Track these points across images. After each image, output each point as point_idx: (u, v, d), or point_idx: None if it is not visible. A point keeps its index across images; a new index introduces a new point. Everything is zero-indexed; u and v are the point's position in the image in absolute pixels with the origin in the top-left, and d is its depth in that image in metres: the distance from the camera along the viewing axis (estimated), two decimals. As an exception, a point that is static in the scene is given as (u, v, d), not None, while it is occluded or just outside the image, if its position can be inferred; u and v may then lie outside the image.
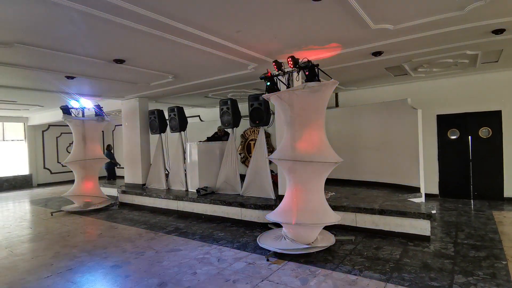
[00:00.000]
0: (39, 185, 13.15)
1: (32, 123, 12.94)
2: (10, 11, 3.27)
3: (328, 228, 4.91)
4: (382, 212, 4.93)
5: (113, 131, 15.19)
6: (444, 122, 7.74)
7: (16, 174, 12.74)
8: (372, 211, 5.02)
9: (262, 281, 3.52)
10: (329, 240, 4.56)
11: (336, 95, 9.08)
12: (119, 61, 5.08)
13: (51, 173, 13.75)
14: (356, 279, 3.48)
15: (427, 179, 7.47)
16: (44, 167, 13.62)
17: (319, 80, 4.42)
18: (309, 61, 4.38)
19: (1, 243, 5.28)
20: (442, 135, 7.80)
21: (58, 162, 13.69)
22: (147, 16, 3.46)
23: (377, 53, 5.14)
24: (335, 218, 4.47)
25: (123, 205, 8.28)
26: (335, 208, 5.18)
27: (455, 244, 4.52)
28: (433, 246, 4.43)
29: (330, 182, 7.89)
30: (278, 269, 3.83)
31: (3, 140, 12.61)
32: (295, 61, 4.50)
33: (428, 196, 7.55)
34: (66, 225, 6.40)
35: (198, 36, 4.11)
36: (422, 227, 4.66)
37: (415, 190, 6.46)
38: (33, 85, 6.85)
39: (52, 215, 7.37)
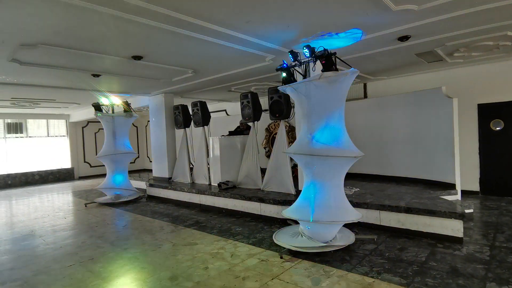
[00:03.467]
0: (80, 178, 14.10)
1: (73, 120, 13.85)
2: (34, 14, 3.43)
3: (349, 226, 4.68)
4: (408, 210, 4.58)
5: (146, 126, 15.80)
6: (486, 112, 7.00)
7: (59, 168, 13.76)
8: (397, 209, 4.68)
9: (272, 279, 3.41)
10: (348, 238, 4.33)
11: (365, 85, 8.60)
12: (137, 58, 5.18)
13: (91, 166, 14.67)
14: (373, 282, 3.24)
15: (467, 174, 6.86)
16: (85, 161, 14.56)
17: (336, 70, 4.16)
18: (325, 50, 4.12)
19: (37, 232, 5.69)
20: (484, 126, 7.06)
21: (96, 156, 14.55)
22: (160, 13, 3.46)
23: (403, 38, 4.72)
24: (356, 215, 4.23)
25: (150, 198, 8.58)
26: (357, 205, 4.92)
27: (491, 248, 4.07)
28: (466, 249, 4.02)
29: (357, 177, 7.57)
30: (290, 267, 3.70)
31: (48, 136, 13.64)
32: (311, 50, 4.28)
33: (467, 193, 6.93)
34: (97, 216, 6.76)
35: (210, 29, 4.04)
36: (454, 227, 4.25)
37: (450, 186, 5.94)
38: (66, 84, 7.25)
39: (86, 206, 7.83)
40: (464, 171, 6.24)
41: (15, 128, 12.79)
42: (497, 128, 6.93)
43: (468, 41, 5.18)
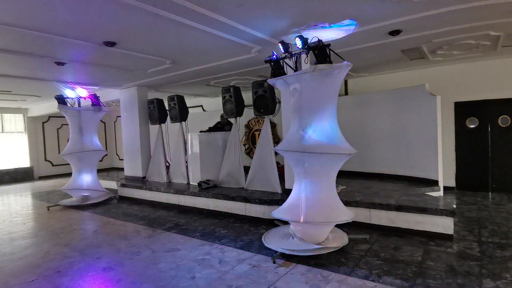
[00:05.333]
0: (41, 178, 12.93)
1: (32, 115, 12.64)
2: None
3: (340, 225, 4.50)
4: (399, 208, 4.50)
5: (114, 122, 14.85)
6: (462, 110, 7.21)
7: (17, 167, 12.51)
8: (388, 207, 4.59)
9: (269, 287, 3.13)
10: (342, 239, 4.15)
11: (346, 82, 8.55)
12: (110, 44, 4.64)
13: (53, 165, 13.51)
14: (375, 286, 3.07)
15: (443, 170, 7.00)
16: (46, 160, 13.37)
17: (330, 62, 3.95)
18: (319, 41, 3.89)
19: (-10, 240, 4.98)
20: (460, 124, 7.27)
21: (59, 154, 13.43)
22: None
23: (395, 32, 4.61)
24: (349, 215, 4.05)
25: (122, 199, 7.96)
26: (347, 203, 4.76)
27: (479, 243, 4.10)
28: (457, 246, 4.01)
29: (340, 175, 7.46)
30: (286, 273, 3.44)
31: (2, 132, 12.34)
32: (304, 40, 4.03)
33: (444, 189, 7.08)
34: (62, 220, 6.09)
35: (195, 12, 3.64)
36: (444, 224, 4.22)
37: (433, 183, 6.01)
38: (24, 73, 6.45)
39: (48, 209, 7.07)
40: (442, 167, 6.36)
41: (-37, 123, 11.41)
42: (472, 126, 7.16)
43: (452, 39, 5.22)
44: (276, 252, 3.90)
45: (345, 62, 3.86)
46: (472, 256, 3.70)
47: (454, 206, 5.64)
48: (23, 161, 12.71)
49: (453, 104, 7.26)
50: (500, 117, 6.80)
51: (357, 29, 4.45)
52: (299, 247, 3.88)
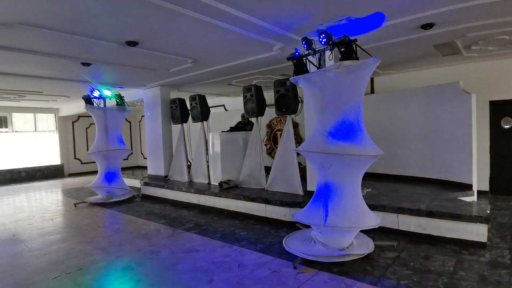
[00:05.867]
0: (70, 175, 13.47)
1: (63, 114, 13.19)
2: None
3: (365, 230, 4.27)
4: (430, 214, 4.20)
5: (140, 122, 15.21)
6: (498, 109, 6.69)
7: (48, 164, 13.10)
8: (418, 213, 4.30)
9: (289, 295, 3.00)
10: (367, 246, 3.93)
11: (372, 80, 8.20)
12: (132, 44, 4.67)
13: (82, 163, 14.04)
14: (404, 299, 2.86)
15: (477, 173, 6.53)
16: (75, 157, 13.91)
17: (357, 58, 3.74)
18: (345, 36, 3.69)
19: (20, 236, 5.16)
20: (495, 124, 6.76)
21: (87, 152, 13.93)
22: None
23: (427, 26, 4.30)
24: (375, 221, 3.82)
25: (145, 197, 8.08)
26: (373, 207, 4.52)
27: (510, 251, 3.79)
28: (489, 254, 3.71)
29: (365, 177, 7.14)
30: (307, 280, 3.28)
31: (35, 131, 12.96)
32: (328, 36, 3.84)
33: (477, 193, 6.60)
34: (87, 217, 6.25)
35: (216, 9, 3.56)
36: (478, 232, 3.90)
37: (466, 187, 5.60)
38: (54, 74, 6.68)
39: (75, 206, 7.30)
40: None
41: (-1, 122, 12.09)
42: (507, 126, 6.64)
43: (488, 34, 4.82)
44: (297, 257, 3.74)
45: (373, 58, 3.64)
46: (503, 265, 3.46)
47: (488, 212, 5.24)
48: (54, 158, 13.30)
49: (488, 103, 6.75)
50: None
51: (386, 23, 4.19)
52: (322, 253, 3.71)
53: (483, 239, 3.93)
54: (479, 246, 3.90)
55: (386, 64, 6.73)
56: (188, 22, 3.94)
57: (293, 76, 4.30)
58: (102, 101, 7.92)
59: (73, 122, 13.75)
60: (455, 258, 3.67)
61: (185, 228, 5.30)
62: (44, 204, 7.85)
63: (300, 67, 4.32)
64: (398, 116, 7.00)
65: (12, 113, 12.27)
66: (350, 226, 3.78)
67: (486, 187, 6.82)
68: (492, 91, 6.64)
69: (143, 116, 14.58)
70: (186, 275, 3.49)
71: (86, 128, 14.14)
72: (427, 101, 6.46)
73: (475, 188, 5.59)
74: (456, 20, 4.17)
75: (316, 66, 4.27)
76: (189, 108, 8.06)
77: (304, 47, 4.15)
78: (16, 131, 12.41)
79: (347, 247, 3.84)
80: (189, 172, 7.95)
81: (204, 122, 7.78)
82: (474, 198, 5.48)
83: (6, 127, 12.17)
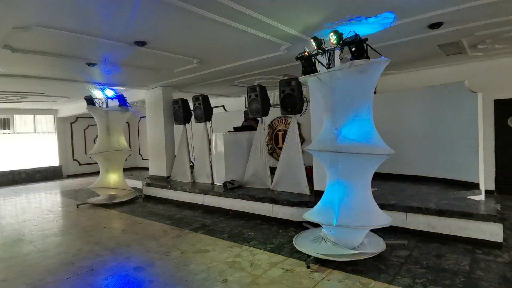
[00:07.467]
0: (69, 176, 13.34)
1: (61, 115, 13.07)
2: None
3: (374, 229, 4.28)
4: (440, 212, 4.21)
5: (138, 122, 15.12)
6: (503, 108, 6.74)
7: (47, 166, 12.98)
8: (427, 211, 4.31)
9: (305, 294, 2.98)
10: (378, 244, 3.93)
11: (374, 80, 8.22)
12: (141, 44, 4.63)
13: (80, 164, 13.92)
14: (422, 297, 2.85)
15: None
16: (73, 159, 13.79)
17: (368, 58, 3.75)
18: (356, 35, 3.70)
19: (27, 237, 5.10)
20: (500, 123, 6.81)
21: (86, 153, 13.81)
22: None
23: (435, 25, 4.33)
24: (386, 219, 3.83)
25: (148, 198, 8.02)
26: (381, 206, 4.46)
27: None
28: (508, 255, 3.68)
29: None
30: (322, 279, 3.27)
31: (35, 132, 12.83)
32: (338, 35, 3.84)
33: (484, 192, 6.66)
34: (91, 218, 6.18)
35: (226, 7, 3.54)
36: (492, 231, 3.90)
37: (472, 186, 5.62)
38: (57, 74, 6.62)
39: (77, 207, 7.22)
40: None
41: (3, 124, 11.98)
42: (513, 125, 6.68)
43: (497, 31, 4.85)
44: (309, 256, 3.73)
45: (382, 57, 3.66)
46: (524, 266, 3.41)
47: (500, 210, 5.27)
48: (52, 160, 13.17)
49: (493, 101, 6.81)
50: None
51: (395, 23, 4.20)
52: (334, 252, 3.70)
53: (499, 239, 3.89)
54: (494, 246, 3.87)
55: (389, 64, 6.68)
56: (198, 21, 3.92)
57: (301, 75, 4.30)
58: (104, 101, 7.85)
59: (71, 123, 13.64)
60: (469, 257, 3.66)
61: (192, 228, 5.26)
62: (45, 205, 7.76)
63: (308, 67, 4.32)
64: (401, 116, 7.02)
65: (14, 115, 12.19)
66: (361, 225, 3.78)
67: (492, 186, 6.85)
68: (497, 90, 6.69)
69: (142, 117, 14.54)
70: (199, 275, 3.46)
71: (84, 129, 14.04)
72: (432, 100, 6.48)
73: (482, 187, 5.61)
74: (465, 19, 4.19)
75: (325, 66, 4.27)
76: (192, 108, 8.02)
77: (314, 46, 4.14)
78: (17, 133, 12.30)
79: (358, 246, 3.84)
80: (192, 172, 7.91)
81: (207, 122, 7.75)
82: (482, 197, 5.51)
83: (8, 128, 12.07)
